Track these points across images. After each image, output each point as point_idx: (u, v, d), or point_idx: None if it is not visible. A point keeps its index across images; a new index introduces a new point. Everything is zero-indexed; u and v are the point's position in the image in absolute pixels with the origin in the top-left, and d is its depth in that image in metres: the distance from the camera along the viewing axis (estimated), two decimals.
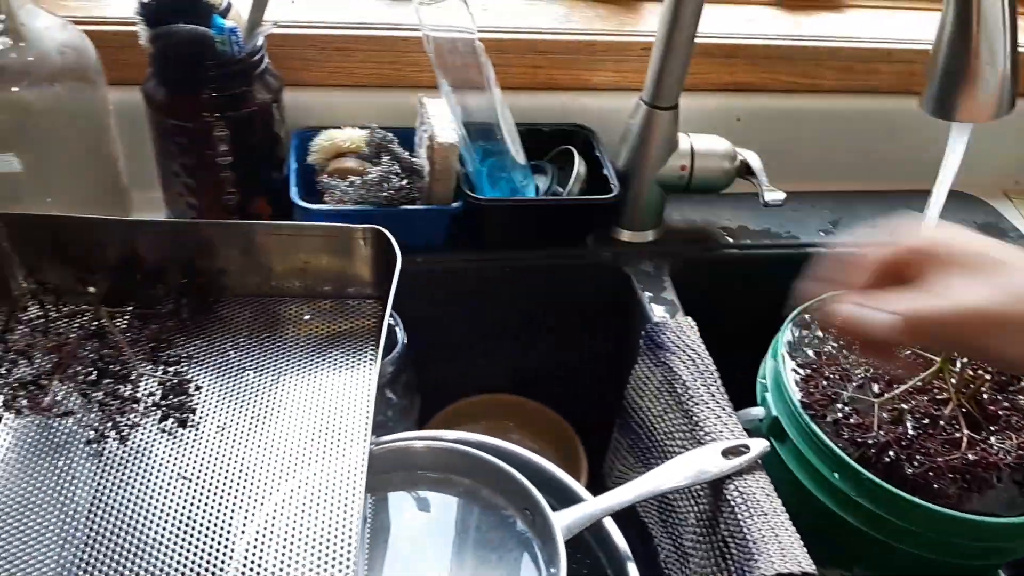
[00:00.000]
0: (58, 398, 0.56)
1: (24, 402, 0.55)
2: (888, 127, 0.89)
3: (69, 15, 0.63)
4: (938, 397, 0.62)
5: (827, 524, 0.60)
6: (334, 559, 0.49)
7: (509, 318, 0.79)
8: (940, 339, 0.46)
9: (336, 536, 0.50)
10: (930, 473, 0.58)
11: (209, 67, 0.60)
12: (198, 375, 0.58)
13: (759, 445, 0.61)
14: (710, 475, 0.59)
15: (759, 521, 0.56)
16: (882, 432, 0.61)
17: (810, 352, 0.67)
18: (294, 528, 0.50)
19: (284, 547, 0.49)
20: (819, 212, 0.86)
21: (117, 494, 0.51)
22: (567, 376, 0.83)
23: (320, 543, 0.50)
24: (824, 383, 0.65)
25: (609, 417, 0.77)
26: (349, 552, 0.49)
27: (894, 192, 0.89)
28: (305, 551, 0.49)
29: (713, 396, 0.65)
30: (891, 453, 0.59)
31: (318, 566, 0.49)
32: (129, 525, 0.50)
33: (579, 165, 0.75)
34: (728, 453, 0.60)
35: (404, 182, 0.68)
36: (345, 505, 0.52)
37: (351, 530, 0.50)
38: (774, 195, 0.73)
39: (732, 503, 0.58)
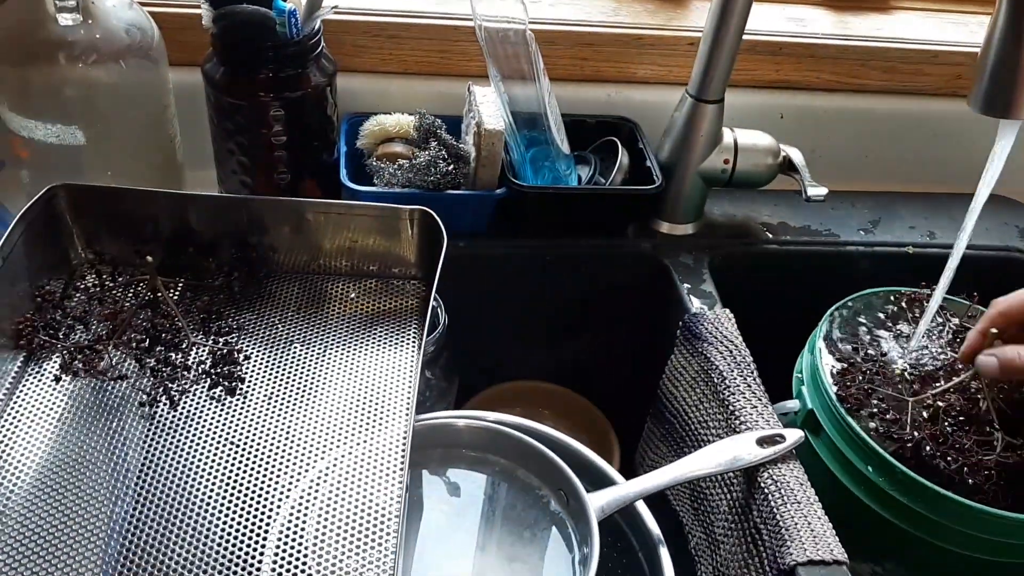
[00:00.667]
0: (113, 362, 0.58)
1: (81, 365, 0.58)
2: (931, 129, 0.89)
3: None
4: (975, 396, 0.62)
5: (860, 517, 0.61)
6: (375, 525, 0.50)
7: (547, 306, 0.80)
8: None
9: (378, 504, 0.51)
10: (964, 469, 0.59)
11: (268, 48, 0.62)
12: (247, 346, 0.60)
13: (794, 435, 0.61)
14: (744, 462, 0.60)
15: (792, 509, 0.57)
16: (917, 428, 0.61)
17: (847, 347, 0.68)
18: (337, 494, 0.52)
19: (326, 511, 0.51)
20: (859, 212, 0.86)
21: (167, 455, 0.53)
22: (602, 365, 0.84)
23: (362, 510, 0.51)
24: (860, 378, 0.65)
25: (643, 407, 0.78)
26: (390, 520, 0.50)
27: (935, 194, 0.89)
28: (347, 515, 0.51)
29: (749, 387, 0.65)
30: (926, 449, 0.60)
31: (359, 530, 0.50)
32: (177, 485, 0.52)
33: (622, 156, 0.76)
34: (763, 442, 0.61)
35: (451, 167, 0.69)
36: (388, 475, 0.53)
37: (393, 499, 0.52)
38: (816, 190, 0.74)
39: (766, 490, 0.58)
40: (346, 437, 0.55)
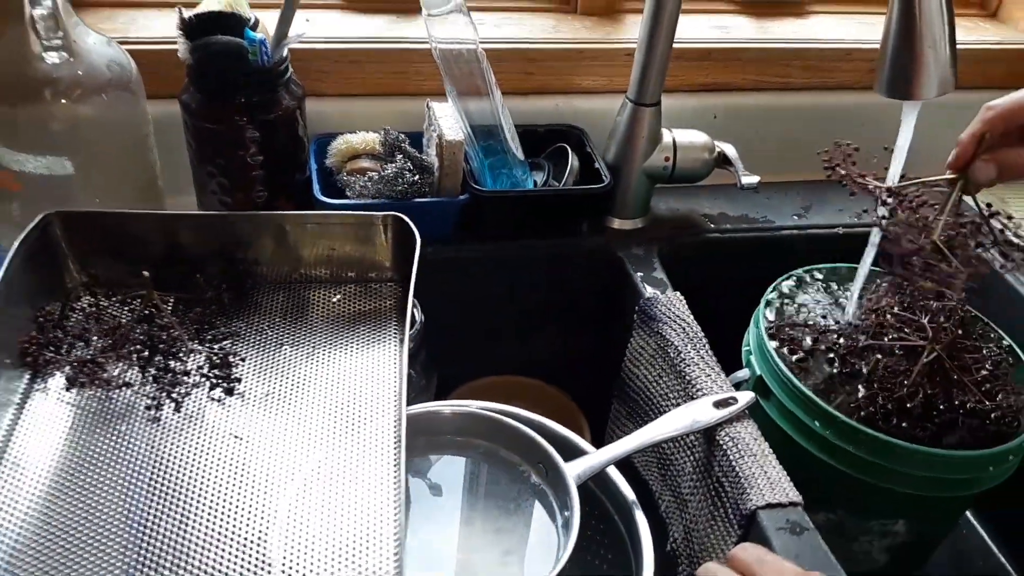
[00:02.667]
0: (115, 373, 0.62)
1: (86, 377, 0.61)
2: (851, 120, 0.97)
3: (112, 35, 0.70)
4: (912, 344, 0.69)
5: (811, 469, 0.67)
6: (376, 506, 0.55)
7: (514, 302, 0.86)
8: None
9: (377, 486, 0.56)
10: (900, 416, 0.66)
11: (242, 75, 0.67)
12: (241, 350, 0.64)
13: (746, 396, 0.68)
14: (703, 423, 0.66)
15: (749, 461, 0.63)
16: (855, 384, 0.68)
17: (788, 319, 0.75)
18: (338, 478, 0.57)
19: (329, 494, 0.56)
20: (791, 199, 0.94)
21: (174, 453, 0.57)
22: (569, 355, 0.90)
23: (362, 492, 0.56)
24: (802, 343, 0.72)
25: (609, 391, 0.84)
26: (391, 502, 0.55)
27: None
28: (349, 497, 0.55)
29: (703, 359, 0.72)
30: (866, 400, 0.66)
31: (361, 509, 0.55)
32: (187, 477, 0.56)
33: (573, 160, 0.82)
34: (718, 405, 0.67)
35: (416, 178, 0.75)
36: (384, 460, 0.58)
37: (391, 481, 0.56)
38: (750, 179, 0.81)
39: (724, 447, 0.65)
40: (343, 427, 0.60)
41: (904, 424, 0.66)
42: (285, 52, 0.69)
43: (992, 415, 0.66)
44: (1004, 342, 0.72)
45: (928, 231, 0.64)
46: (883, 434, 0.65)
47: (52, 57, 0.62)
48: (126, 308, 0.66)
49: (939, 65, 0.61)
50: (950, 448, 0.65)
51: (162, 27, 0.80)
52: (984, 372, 0.66)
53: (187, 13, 0.66)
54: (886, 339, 0.68)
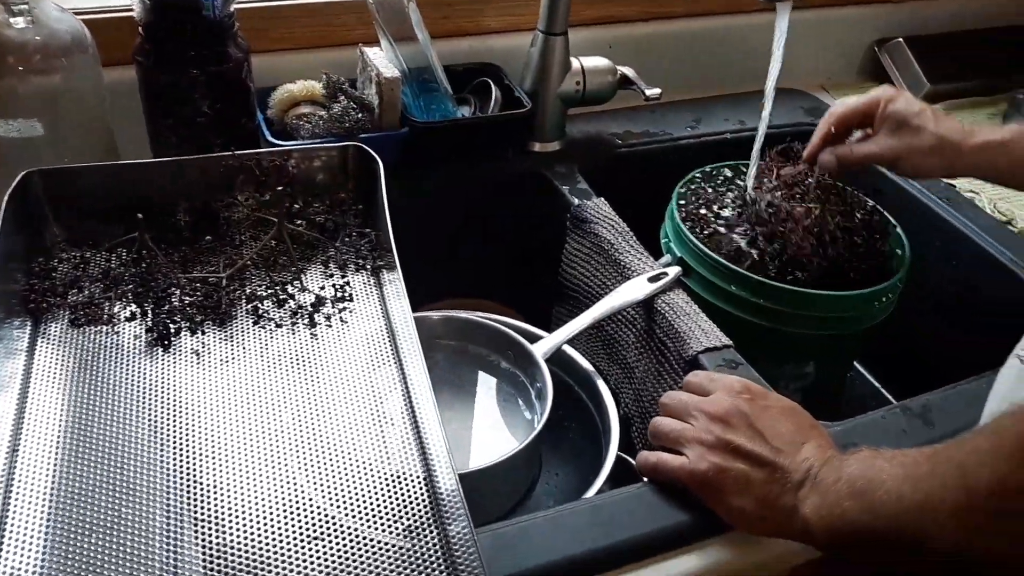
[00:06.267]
0: (116, 311, 0.67)
1: (87, 318, 0.66)
2: (725, 41, 1.10)
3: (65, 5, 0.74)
4: (797, 209, 0.82)
5: (732, 328, 0.79)
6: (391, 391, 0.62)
7: (456, 226, 0.94)
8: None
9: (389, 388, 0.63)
10: (800, 269, 0.79)
11: (195, 28, 0.73)
12: (228, 285, 0.70)
13: (674, 269, 0.79)
14: (642, 295, 0.77)
15: (684, 319, 0.75)
16: (761, 247, 0.81)
17: (695, 208, 0.87)
18: (353, 388, 0.62)
19: (347, 404, 0.61)
20: (683, 115, 1.06)
21: (182, 377, 0.62)
22: (512, 270, 0.99)
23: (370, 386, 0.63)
24: (711, 223, 0.84)
25: (550, 301, 0.94)
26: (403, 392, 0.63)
27: (741, 93, 1.10)
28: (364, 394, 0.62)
29: (633, 247, 0.83)
30: (770, 257, 0.79)
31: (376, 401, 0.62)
32: (206, 403, 0.60)
33: (495, 92, 0.91)
34: (652, 280, 0.79)
35: (360, 115, 0.82)
36: (393, 357, 0.65)
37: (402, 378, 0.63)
38: (653, 91, 0.92)
39: (662, 311, 0.76)
40: (345, 341, 0.65)
41: (802, 276, 0.79)
42: (232, 7, 0.75)
43: (871, 260, 0.80)
44: (869, 203, 0.87)
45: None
46: (786, 284, 0.78)
47: (18, 22, 0.66)
48: (113, 256, 0.71)
49: None
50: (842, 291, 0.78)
51: None
52: (859, 221, 0.80)
53: None
54: (781, 205, 0.81)
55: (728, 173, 0.92)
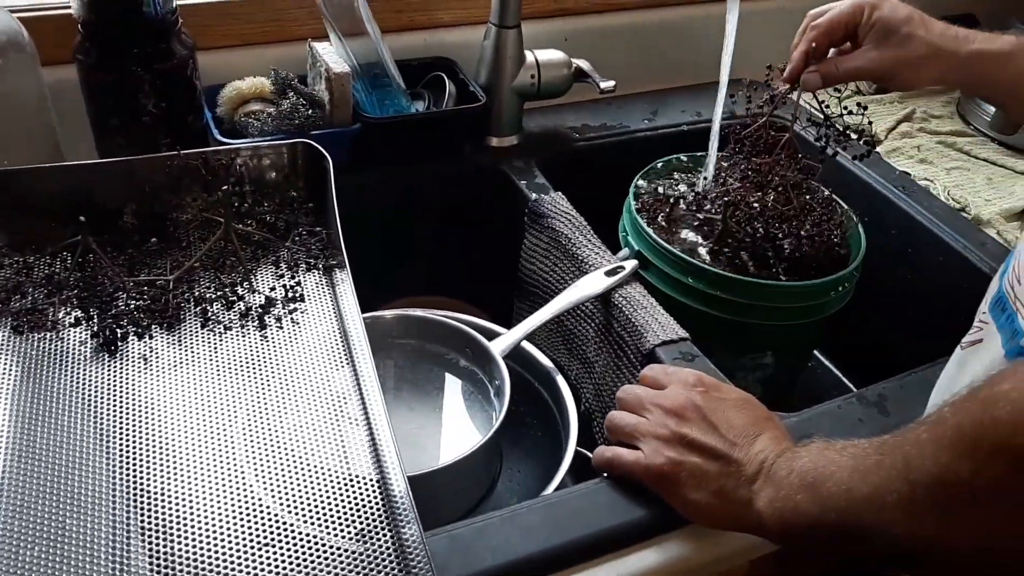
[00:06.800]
0: (61, 316, 0.65)
1: (30, 325, 0.64)
2: (678, 32, 1.10)
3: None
4: (754, 208, 0.82)
5: (691, 320, 0.79)
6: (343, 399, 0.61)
7: (412, 224, 0.93)
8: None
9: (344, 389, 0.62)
10: (757, 261, 0.79)
11: (137, 26, 0.71)
12: (175, 287, 0.68)
13: (631, 263, 0.79)
14: (599, 290, 0.77)
15: (641, 312, 0.74)
16: (716, 240, 0.81)
17: (653, 200, 0.86)
18: (301, 388, 0.61)
19: (298, 405, 0.60)
20: (639, 107, 1.06)
21: (129, 383, 0.61)
22: (471, 269, 0.98)
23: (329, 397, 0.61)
24: (668, 216, 0.84)
25: (511, 296, 0.93)
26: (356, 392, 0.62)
27: (696, 85, 1.10)
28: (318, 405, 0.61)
29: (590, 241, 0.82)
30: (726, 251, 0.79)
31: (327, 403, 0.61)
32: (152, 407, 0.59)
33: (449, 86, 0.90)
34: (609, 274, 0.78)
35: (310, 111, 0.81)
36: (345, 358, 0.64)
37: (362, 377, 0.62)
38: (607, 83, 0.92)
39: (619, 306, 0.75)
40: (293, 342, 0.65)
41: (759, 267, 0.79)
42: (175, 3, 0.73)
43: (828, 250, 0.80)
44: (825, 192, 0.87)
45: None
46: (742, 276, 0.78)
47: None
48: (57, 260, 0.69)
49: None
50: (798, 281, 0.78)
51: None
52: (816, 211, 0.81)
53: None
54: (738, 198, 0.81)
55: (686, 165, 0.92)
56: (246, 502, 0.54)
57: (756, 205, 0.80)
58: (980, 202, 0.94)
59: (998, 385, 0.40)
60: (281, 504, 0.54)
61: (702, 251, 0.81)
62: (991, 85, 0.72)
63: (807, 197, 0.84)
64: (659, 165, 0.91)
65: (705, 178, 0.86)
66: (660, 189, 0.88)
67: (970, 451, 0.40)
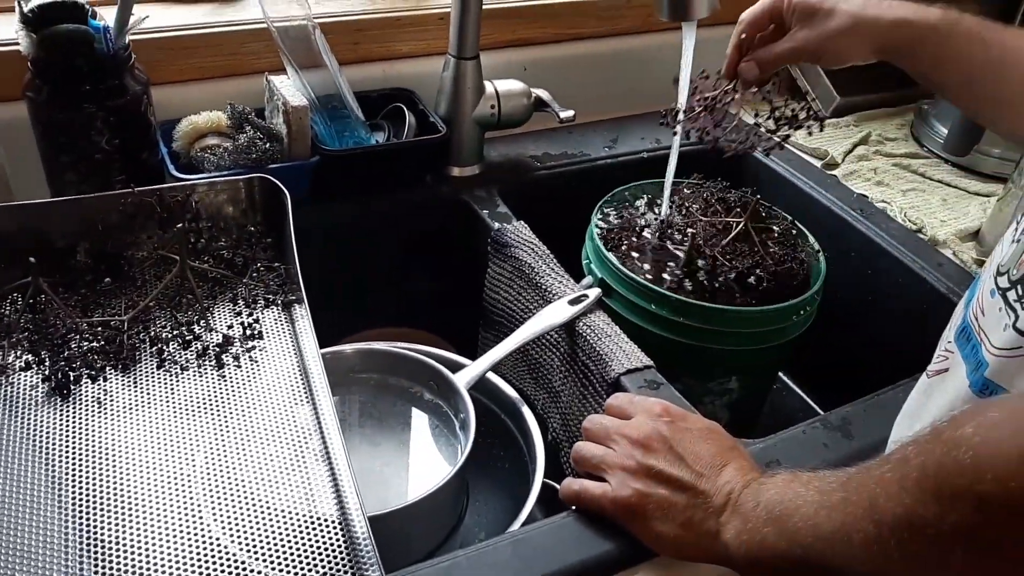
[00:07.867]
0: (10, 360, 0.63)
1: None
2: (636, 60, 1.11)
3: None
4: (723, 221, 0.82)
5: (655, 348, 0.78)
6: (303, 440, 0.60)
7: (374, 256, 0.92)
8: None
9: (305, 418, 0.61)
10: (719, 287, 0.79)
11: (89, 63, 0.70)
12: (130, 327, 0.67)
13: (594, 292, 0.79)
14: (563, 319, 0.76)
15: (606, 341, 0.74)
16: (678, 266, 0.81)
17: (615, 228, 0.86)
18: (263, 427, 0.60)
19: (258, 444, 0.59)
20: (600, 135, 1.06)
21: (83, 427, 0.59)
22: (435, 298, 0.98)
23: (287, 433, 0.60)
24: (631, 243, 0.84)
25: (476, 324, 0.92)
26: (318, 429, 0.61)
27: (656, 112, 1.10)
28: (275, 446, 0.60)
29: (553, 270, 0.82)
30: (687, 279, 0.79)
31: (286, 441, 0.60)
32: (106, 451, 0.58)
33: (409, 117, 0.90)
34: (572, 303, 0.78)
35: (268, 145, 0.80)
36: (305, 395, 0.63)
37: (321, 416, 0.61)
38: (566, 113, 0.92)
39: (584, 335, 0.75)
40: (253, 379, 0.64)
41: (721, 293, 0.79)
42: (127, 39, 0.72)
43: (789, 274, 0.81)
44: (788, 218, 0.88)
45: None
46: (704, 302, 0.78)
47: None
48: (6, 302, 0.67)
49: None
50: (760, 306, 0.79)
51: None
52: (777, 235, 0.81)
53: (27, 5, 0.68)
54: (699, 224, 0.81)
55: (646, 193, 0.92)
56: (206, 546, 0.53)
57: (717, 229, 0.80)
58: (936, 223, 0.95)
59: (961, 428, 0.39)
60: (241, 547, 0.53)
61: (665, 277, 0.81)
62: (911, 54, 0.72)
63: (769, 222, 0.85)
64: (621, 192, 0.91)
65: (664, 205, 0.86)
66: (622, 216, 0.89)
67: (934, 495, 0.40)
